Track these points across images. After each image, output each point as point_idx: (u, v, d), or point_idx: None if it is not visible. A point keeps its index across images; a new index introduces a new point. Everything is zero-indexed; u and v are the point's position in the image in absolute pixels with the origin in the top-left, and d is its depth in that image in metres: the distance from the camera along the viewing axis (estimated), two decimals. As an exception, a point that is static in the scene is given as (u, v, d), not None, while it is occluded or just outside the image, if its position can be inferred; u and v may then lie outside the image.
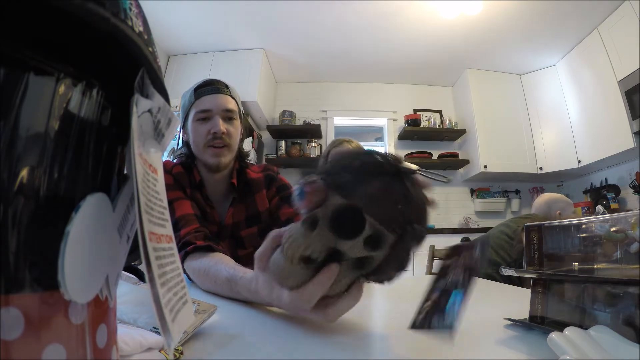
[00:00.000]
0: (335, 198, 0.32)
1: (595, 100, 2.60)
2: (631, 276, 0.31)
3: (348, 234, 0.31)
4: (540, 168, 3.05)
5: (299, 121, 3.24)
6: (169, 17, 2.49)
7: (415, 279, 0.86)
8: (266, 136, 3.31)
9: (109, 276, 0.15)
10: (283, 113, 3.25)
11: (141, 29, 0.14)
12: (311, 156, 3.12)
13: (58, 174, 0.12)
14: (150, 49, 0.15)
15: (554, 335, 0.29)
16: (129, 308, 0.31)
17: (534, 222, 0.43)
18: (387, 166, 0.32)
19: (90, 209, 0.13)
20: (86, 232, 0.13)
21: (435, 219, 2.89)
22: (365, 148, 1.35)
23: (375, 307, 0.52)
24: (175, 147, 1.86)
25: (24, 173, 0.11)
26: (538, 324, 0.38)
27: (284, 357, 0.31)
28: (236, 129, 0.85)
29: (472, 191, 3.31)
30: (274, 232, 0.37)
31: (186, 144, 0.87)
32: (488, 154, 3.03)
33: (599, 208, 2.65)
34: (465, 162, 3.20)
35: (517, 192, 3.33)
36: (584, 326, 0.30)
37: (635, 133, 2.26)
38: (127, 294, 0.33)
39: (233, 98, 0.85)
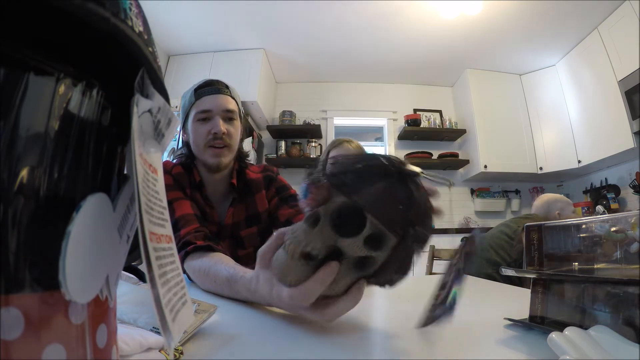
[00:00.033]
0: (339, 197, 0.32)
1: (595, 100, 2.60)
2: (631, 276, 0.31)
3: (348, 232, 0.32)
4: (540, 168, 3.06)
5: (299, 121, 3.24)
6: (169, 17, 2.49)
7: (415, 279, 0.86)
8: (266, 136, 3.31)
9: (109, 276, 0.15)
10: (283, 113, 3.25)
11: (141, 29, 0.14)
12: (311, 156, 3.12)
13: (58, 174, 0.12)
14: (150, 49, 0.15)
15: (554, 335, 0.29)
16: (129, 308, 0.31)
17: (534, 222, 0.43)
18: (391, 168, 0.32)
19: (91, 209, 0.13)
20: (87, 232, 0.13)
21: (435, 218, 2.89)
22: (366, 149, 1.35)
23: (375, 307, 0.52)
24: (175, 147, 1.87)
25: (24, 173, 0.11)
26: (538, 324, 0.38)
27: (284, 357, 0.31)
28: (236, 129, 0.85)
29: (472, 191, 3.31)
30: (278, 231, 0.38)
31: (186, 144, 0.87)
32: (488, 154, 3.03)
33: (599, 208, 2.65)
34: (465, 162, 3.20)
35: (517, 192, 3.33)
36: (584, 326, 0.30)
37: (635, 133, 2.26)
38: (127, 294, 0.33)
39: (233, 98, 0.86)
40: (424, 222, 0.33)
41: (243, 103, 2.51)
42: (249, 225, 0.88)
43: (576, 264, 0.38)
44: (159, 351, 0.27)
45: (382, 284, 0.36)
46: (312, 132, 3.21)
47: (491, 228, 1.66)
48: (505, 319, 0.41)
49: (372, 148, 3.44)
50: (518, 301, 0.53)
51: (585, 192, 3.02)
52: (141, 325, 0.29)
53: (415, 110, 3.39)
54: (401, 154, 3.26)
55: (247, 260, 0.83)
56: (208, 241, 0.66)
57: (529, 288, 0.41)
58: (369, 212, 0.31)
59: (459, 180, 3.35)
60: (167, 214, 0.16)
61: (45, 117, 0.12)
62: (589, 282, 0.34)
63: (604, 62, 2.48)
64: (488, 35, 2.67)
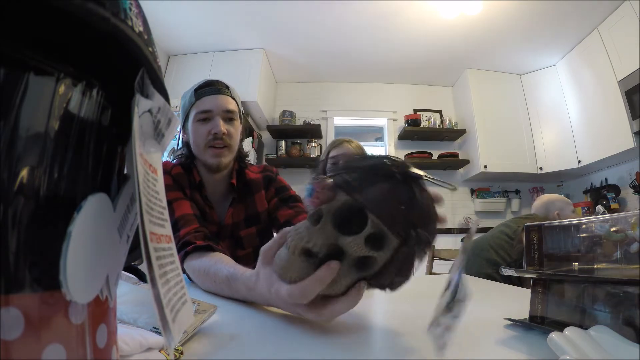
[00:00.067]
0: (342, 196, 0.33)
1: (595, 100, 2.60)
2: (631, 276, 0.31)
3: (349, 230, 0.32)
4: (540, 168, 3.06)
5: (299, 121, 3.24)
6: (169, 17, 2.49)
7: (415, 279, 0.86)
8: (266, 136, 3.31)
9: (109, 276, 0.15)
10: (283, 113, 3.25)
11: (141, 29, 0.14)
12: (311, 156, 3.12)
13: (58, 174, 0.12)
14: (150, 49, 0.15)
15: (554, 335, 0.29)
16: (129, 308, 0.31)
17: (534, 222, 0.43)
18: (394, 169, 0.33)
19: (91, 209, 0.13)
20: (88, 232, 0.13)
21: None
22: (366, 149, 1.35)
23: (375, 307, 0.52)
24: (175, 147, 1.87)
25: (24, 173, 0.11)
26: (538, 324, 0.38)
27: (284, 357, 0.31)
28: (236, 129, 0.85)
29: (472, 191, 3.31)
30: (283, 230, 0.38)
31: (186, 144, 0.87)
32: (488, 154, 3.03)
33: (599, 208, 2.65)
34: (465, 162, 3.20)
35: (517, 192, 3.33)
36: (584, 326, 0.30)
37: (635, 133, 2.26)
38: (127, 294, 0.33)
39: (233, 99, 0.86)
40: (426, 225, 0.33)
41: (243, 103, 2.51)
42: (249, 225, 0.88)
43: (576, 264, 0.38)
44: (159, 351, 0.27)
45: (382, 287, 0.36)
46: (312, 132, 3.21)
47: (491, 228, 1.66)
48: (505, 319, 0.41)
49: (372, 148, 3.45)
50: (518, 301, 0.53)
51: (585, 192, 3.02)
52: (141, 325, 0.29)
53: (415, 110, 3.39)
54: (401, 154, 3.26)
55: (247, 261, 0.83)
56: (208, 241, 0.66)
57: (529, 288, 0.41)
58: (370, 211, 0.32)
59: (459, 180, 3.36)
60: (166, 214, 0.16)
61: (45, 117, 0.12)
62: (589, 282, 0.34)
63: (604, 62, 2.48)
64: (488, 35, 2.67)
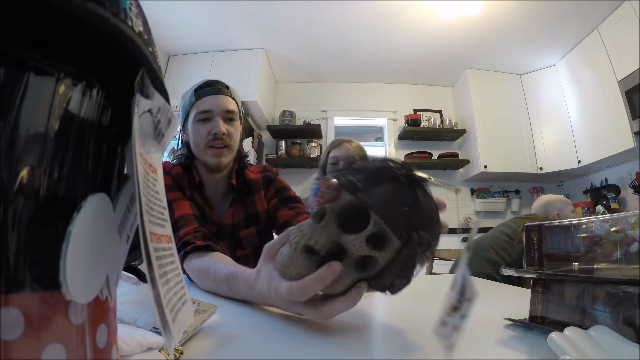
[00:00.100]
0: (346, 196, 0.34)
1: (595, 100, 2.60)
2: (631, 276, 0.31)
3: (352, 229, 0.33)
4: (540, 168, 3.06)
5: (299, 121, 3.24)
6: (169, 17, 2.49)
7: (415, 279, 0.86)
8: (266, 136, 3.31)
9: (109, 276, 0.15)
10: (283, 113, 3.25)
11: (141, 29, 0.14)
12: (311, 156, 3.12)
13: (58, 174, 0.12)
14: (150, 49, 0.15)
15: (554, 335, 0.29)
16: (129, 308, 0.31)
17: (534, 222, 0.43)
18: (399, 171, 0.33)
19: (91, 209, 0.13)
20: (87, 232, 0.13)
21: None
22: (366, 149, 1.35)
23: (375, 307, 0.52)
24: (175, 147, 1.87)
25: (24, 173, 0.11)
26: (538, 324, 0.38)
27: (284, 357, 0.31)
28: (236, 129, 0.85)
29: (472, 191, 3.31)
30: (288, 229, 0.39)
31: (186, 144, 0.87)
32: (488, 154, 3.03)
33: (599, 208, 2.65)
34: (465, 162, 3.20)
35: (517, 192, 3.33)
36: (584, 326, 0.30)
37: (635, 133, 2.26)
38: (127, 294, 0.33)
39: (233, 99, 0.86)
40: (428, 228, 0.33)
41: (243, 103, 2.51)
42: (248, 225, 0.88)
43: (576, 264, 0.38)
44: (159, 351, 0.27)
45: (383, 288, 0.36)
46: (312, 132, 3.21)
47: (491, 228, 1.66)
48: (505, 319, 0.41)
49: (372, 148, 3.45)
50: (518, 301, 0.53)
51: (585, 192, 3.02)
52: (141, 325, 0.29)
53: (415, 110, 3.39)
54: (401, 154, 3.26)
55: (246, 261, 0.83)
56: (207, 241, 0.66)
57: (529, 288, 0.41)
58: (373, 211, 0.32)
59: (459, 180, 3.36)
60: (167, 214, 0.16)
61: (45, 117, 0.12)
62: (589, 282, 0.34)
63: (604, 62, 2.48)
64: (488, 35, 2.67)
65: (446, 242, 2.79)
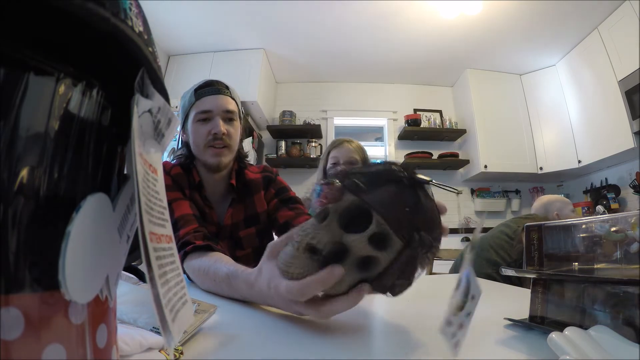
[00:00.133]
0: (349, 196, 0.35)
1: (595, 100, 2.60)
2: (631, 276, 0.31)
3: (354, 228, 0.33)
4: (540, 168, 3.06)
5: (299, 121, 3.24)
6: (169, 17, 2.49)
7: (415, 279, 0.86)
8: (266, 136, 3.31)
9: (109, 276, 0.15)
10: (283, 113, 3.25)
11: (141, 29, 0.14)
12: (311, 156, 3.12)
13: (58, 174, 0.12)
14: (150, 49, 0.15)
15: (554, 335, 0.29)
16: (129, 308, 0.31)
17: (534, 222, 0.43)
18: (401, 173, 0.34)
19: (91, 209, 0.13)
20: (87, 232, 0.13)
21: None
22: (366, 149, 1.36)
23: (375, 307, 0.52)
24: (175, 147, 1.87)
25: (24, 173, 0.11)
26: (538, 324, 0.38)
27: (284, 357, 0.31)
28: (236, 129, 0.85)
29: (472, 191, 3.31)
30: (293, 229, 0.39)
31: (186, 144, 0.87)
32: (488, 154, 3.03)
33: (599, 208, 2.65)
34: (465, 162, 3.20)
35: (517, 192, 3.33)
36: (584, 326, 0.30)
37: (635, 133, 2.26)
38: (127, 294, 0.33)
39: (233, 99, 0.86)
40: (430, 229, 0.34)
41: (243, 103, 2.52)
42: (248, 225, 0.87)
43: (576, 264, 0.38)
44: (159, 351, 0.27)
45: (384, 290, 0.36)
46: (312, 132, 3.21)
47: (491, 228, 1.66)
48: (505, 319, 0.41)
49: (372, 148, 3.44)
50: (518, 301, 0.53)
51: (585, 192, 3.02)
52: (141, 325, 0.29)
53: (415, 110, 3.39)
54: (401, 154, 3.26)
55: (246, 261, 0.83)
56: (207, 241, 0.66)
57: (529, 288, 0.41)
58: (376, 212, 0.32)
59: (459, 180, 3.36)
60: (167, 214, 0.16)
61: (45, 117, 0.12)
62: (589, 282, 0.34)
63: (604, 62, 2.48)
64: (488, 35, 2.67)
65: (446, 242, 2.79)
